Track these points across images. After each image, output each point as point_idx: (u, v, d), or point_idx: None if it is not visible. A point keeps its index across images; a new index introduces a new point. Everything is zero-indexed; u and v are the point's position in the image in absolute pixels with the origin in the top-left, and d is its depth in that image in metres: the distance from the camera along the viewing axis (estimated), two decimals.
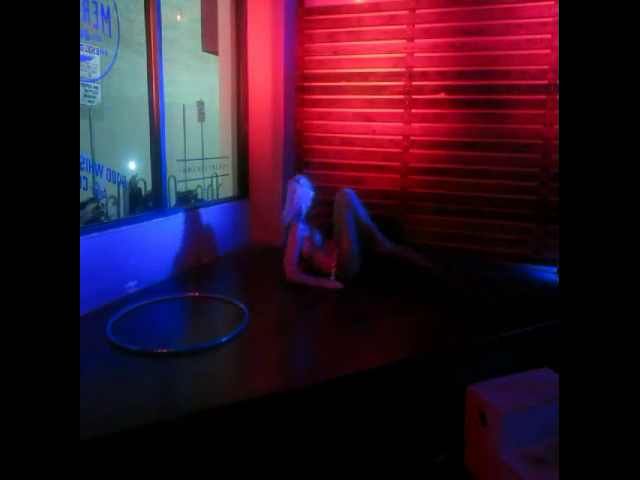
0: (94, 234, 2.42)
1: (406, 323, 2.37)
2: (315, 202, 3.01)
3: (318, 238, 2.94)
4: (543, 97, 3.13)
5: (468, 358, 2.16)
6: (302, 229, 2.86)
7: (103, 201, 3.70)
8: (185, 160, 5.01)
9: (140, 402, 1.65)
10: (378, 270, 2.86)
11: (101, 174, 3.71)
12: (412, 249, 2.96)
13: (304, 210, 2.93)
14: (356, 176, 3.64)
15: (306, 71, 3.70)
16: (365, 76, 3.53)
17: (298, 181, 2.95)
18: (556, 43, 3.01)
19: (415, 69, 3.40)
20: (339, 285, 2.80)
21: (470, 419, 1.88)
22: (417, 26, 3.36)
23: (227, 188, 3.92)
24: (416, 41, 3.38)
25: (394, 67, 3.45)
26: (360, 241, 2.87)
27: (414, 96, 3.43)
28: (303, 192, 2.92)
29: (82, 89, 2.90)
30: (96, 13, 2.91)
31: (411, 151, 3.50)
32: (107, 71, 3.02)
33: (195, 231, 3.21)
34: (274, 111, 3.63)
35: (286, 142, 3.68)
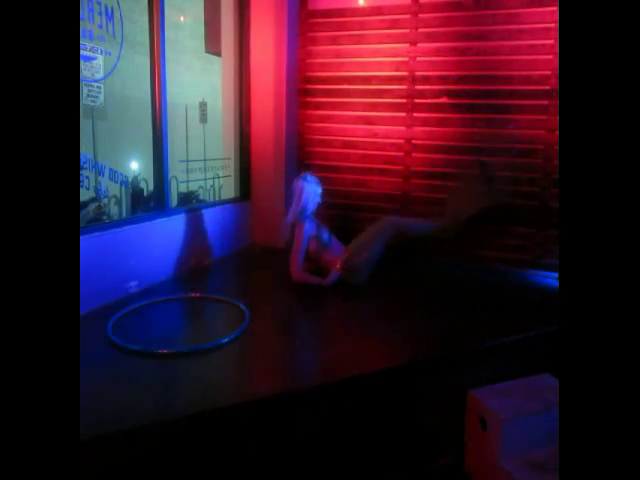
0: (96, 234, 2.42)
1: (407, 327, 2.36)
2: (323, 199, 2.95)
3: (325, 235, 2.89)
4: (545, 102, 3.13)
5: (469, 363, 2.16)
6: (309, 228, 2.81)
7: (105, 201, 3.69)
8: (187, 161, 5.01)
9: (140, 402, 1.65)
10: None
11: (103, 174, 3.71)
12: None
13: (312, 207, 2.88)
14: (358, 179, 3.64)
15: (308, 74, 3.70)
16: (367, 79, 3.53)
17: (305, 178, 2.90)
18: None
19: (417, 73, 3.40)
20: (334, 279, 2.77)
21: (470, 424, 1.88)
22: (420, 30, 3.37)
23: (229, 189, 3.92)
24: (419, 45, 3.38)
25: (396, 71, 3.45)
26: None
27: (416, 100, 3.43)
28: (310, 190, 2.86)
29: (85, 89, 2.90)
30: (100, 14, 2.92)
31: (413, 155, 3.50)
32: (110, 71, 3.03)
33: (196, 232, 3.21)
34: (276, 113, 3.63)
35: (288, 144, 3.68)
